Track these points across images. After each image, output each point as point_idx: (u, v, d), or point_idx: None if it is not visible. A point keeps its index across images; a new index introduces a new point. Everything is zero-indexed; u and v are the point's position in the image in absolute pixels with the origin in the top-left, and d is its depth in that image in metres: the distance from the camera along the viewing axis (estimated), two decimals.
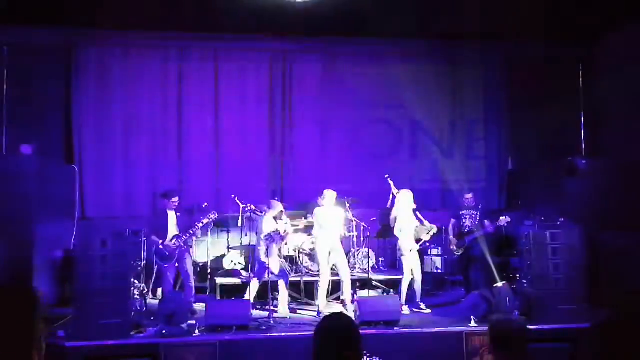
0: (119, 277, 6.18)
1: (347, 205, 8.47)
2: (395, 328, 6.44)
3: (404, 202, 7.64)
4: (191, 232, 7.27)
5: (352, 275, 8.11)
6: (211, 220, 7.36)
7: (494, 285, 7.23)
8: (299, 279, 8.23)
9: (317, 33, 9.46)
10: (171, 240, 7.25)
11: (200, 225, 7.28)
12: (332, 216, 7.55)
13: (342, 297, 7.63)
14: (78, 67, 9.33)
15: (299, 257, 8.60)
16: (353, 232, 8.93)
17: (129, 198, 9.38)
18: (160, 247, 7.23)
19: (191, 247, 7.64)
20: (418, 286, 7.56)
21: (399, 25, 8.42)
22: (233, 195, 8.08)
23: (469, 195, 8.34)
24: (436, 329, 6.47)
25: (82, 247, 6.24)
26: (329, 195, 7.58)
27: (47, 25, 8.66)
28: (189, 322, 6.64)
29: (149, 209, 9.37)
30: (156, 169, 9.50)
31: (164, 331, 6.22)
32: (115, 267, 6.15)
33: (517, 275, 7.94)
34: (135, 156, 9.44)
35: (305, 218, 9.00)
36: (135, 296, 6.94)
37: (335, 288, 7.90)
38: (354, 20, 8.54)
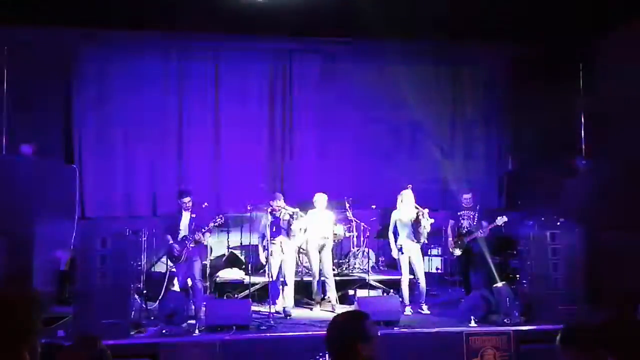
0: (119, 277, 6.19)
1: (347, 205, 8.47)
2: (395, 328, 6.44)
3: (407, 201, 7.63)
4: (197, 235, 7.23)
5: (351, 275, 8.14)
6: (217, 224, 7.31)
7: (494, 286, 7.23)
8: (299, 278, 8.25)
9: (317, 33, 9.45)
10: (180, 241, 7.24)
11: (204, 230, 7.22)
12: (320, 218, 7.69)
13: (328, 300, 7.72)
14: (78, 67, 9.34)
15: (298, 257, 8.60)
16: (353, 232, 8.93)
17: (128, 198, 9.39)
18: (169, 246, 7.25)
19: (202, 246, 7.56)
20: (422, 287, 7.55)
21: (399, 25, 8.41)
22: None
23: (467, 195, 8.32)
24: (436, 329, 6.46)
25: (82, 247, 6.24)
26: (319, 198, 7.76)
27: (47, 25, 8.65)
28: (189, 321, 6.65)
29: (149, 209, 9.39)
30: (156, 169, 9.51)
31: (164, 331, 6.23)
32: (115, 266, 6.16)
33: (517, 276, 7.95)
34: (135, 156, 9.45)
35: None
36: (135, 296, 6.94)
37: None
38: (354, 20, 8.52)
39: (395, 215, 7.66)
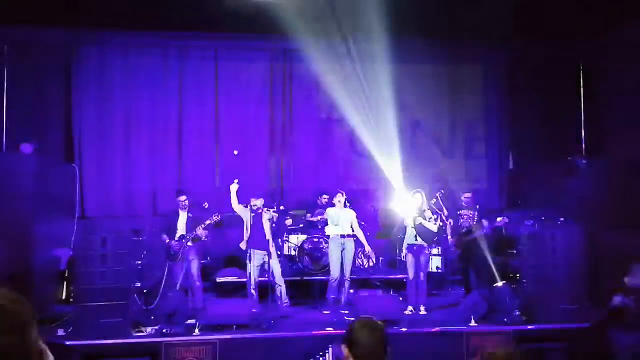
0: (119, 277, 6.18)
1: (347, 205, 8.44)
2: (395, 328, 6.44)
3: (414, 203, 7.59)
4: (193, 233, 7.25)
5: (351, 275, 8.10)
6: (214, 222, 7.31)
7: (494, 285, 7.23)
8: (299, 278, 8.24)
9: (317, 33, 9.45)
10: (177, 240, 7.24)
11: (202, 227, 7.23)
12: (340, 217, 7.58)
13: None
14: (78, 66, 9.34)
15: (298, 256, 8.59)
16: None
17: (129, 197, 9.39)
18: (166, 245, 7.26)
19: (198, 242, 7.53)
20: (422, 288, 7.49)
21: (399, 25, 8.41)
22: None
23: (467, 195, 8.32)
24: (436, 329, 6.46)
25: (82, 247, 6.23)
26: (338, 196, 7.63)
27: (48, 25, 8.66)
28: (189, 321, 6.65)
29: (149, 208, 9.38)
30: (156, 169, 9.51)
31: (164, 330, 6.22)
32: (115, 266, 6.16)
33: (517, 275, 7.95)
34: (135, 155, 9.44)
35: (305, 217, 9.02)
36: (135, 295, 6.94)
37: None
38: (354, 20, 8.53)
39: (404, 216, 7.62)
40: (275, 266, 7.41)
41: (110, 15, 8.21)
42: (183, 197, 7.41)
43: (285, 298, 7.39)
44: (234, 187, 7.37)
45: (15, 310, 1.63)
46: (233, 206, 7.39)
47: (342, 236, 7.50)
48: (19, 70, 8.79)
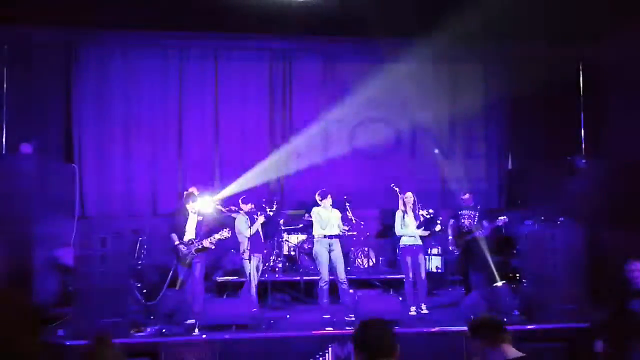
0: (119, 277, 6.19)
1: (347, 204, 8.45)
2: (395, 327, 6.43)
3: (408, 203, 7.59)
4: (201, 245, 7.07)
5: (351, 275, 8.12)
6: (223, 238, 7.17)
7: (494, 285, 7.24)
8: (298, 278, 8.25)
9: (317, 33, 9.46)
10: (186, 243, 7.14)
11: (210, 241, 7.07)
12: (327, 217, 7.53)
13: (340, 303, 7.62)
14: (78, 66, 9.34)
15: (298, 256, 8.60)
16: (353, 231, 8.92)
17: (128, 197, 9.39)
18: (174, 247, 7.17)
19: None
20: (419, 287, 7.50)
21: (399, 25, 8.41)
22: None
23: (466, 195, 8.33)
24: (436, 329, 6.46)
25: (82, 246, 6.24)
26: (329, 196, 7.57)
27: (48, 25, 8.66)
28: (189, 321, 6.65)
29: (148, 208, 9.39)
30: (156, 169, 9.51)
31: (163, 330, 6.23)
32: (114, 266, 6.16)
33: (517, 275, 7.95)
34: (135, 156, 9.44)
35: (304, 217, 9.03)
36: (136, 292, 6.94)
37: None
38: (354, 20, 8.53)
39: (399, 216, 7.61)
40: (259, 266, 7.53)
41: (110, 15, 8.20)
42: (196, 202, 7.28)
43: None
44: (261, 219, 7.41)
45: (31, 311, 1.65)
46: (243, 228, 7.33)
47: (330, 237, 7.41)
48: (19, 70, 8.79)
